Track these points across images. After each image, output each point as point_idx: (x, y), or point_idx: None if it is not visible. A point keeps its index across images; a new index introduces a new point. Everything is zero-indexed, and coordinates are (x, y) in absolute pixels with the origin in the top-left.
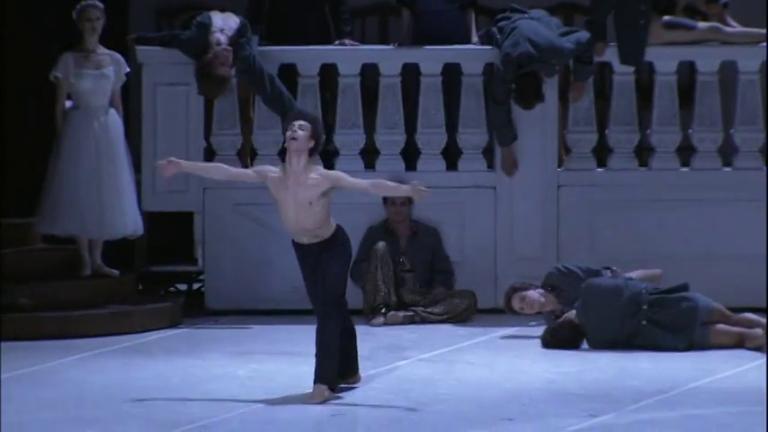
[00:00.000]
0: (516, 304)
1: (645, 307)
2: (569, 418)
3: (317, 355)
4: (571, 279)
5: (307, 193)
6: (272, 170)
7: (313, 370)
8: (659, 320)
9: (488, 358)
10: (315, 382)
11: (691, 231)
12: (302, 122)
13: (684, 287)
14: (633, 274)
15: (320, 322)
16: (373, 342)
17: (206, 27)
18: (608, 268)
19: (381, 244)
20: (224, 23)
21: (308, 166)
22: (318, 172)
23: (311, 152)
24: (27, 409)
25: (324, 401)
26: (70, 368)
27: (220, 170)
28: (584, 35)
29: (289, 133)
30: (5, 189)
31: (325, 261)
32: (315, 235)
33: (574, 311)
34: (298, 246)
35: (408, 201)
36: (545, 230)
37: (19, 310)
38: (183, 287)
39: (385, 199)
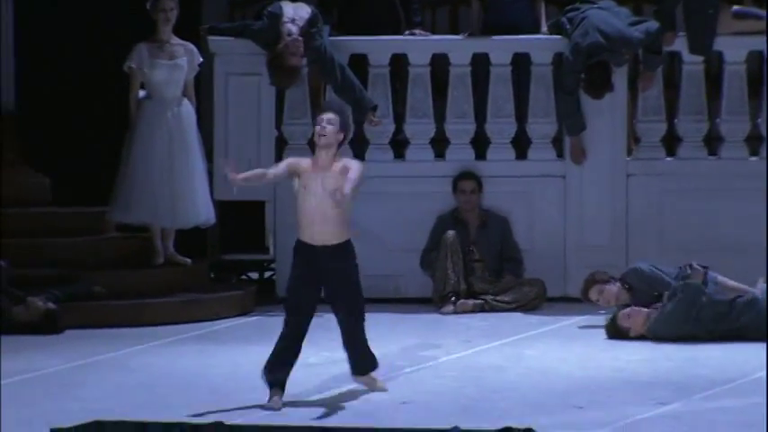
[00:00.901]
0: (594, 295)
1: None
2: (638, 406)
3: (357, 347)
4: (651, 282)
5: (333, 181)
6: (304, 160)
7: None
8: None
9: (558, 347)
10: (366, 373)
11: (760, 221)
12: (330, 116)
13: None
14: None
15: (356, 321)
16: (443, 330)
17: (277, 17)
18: (690, 265)
19: (451, 233)
20: (295, 14)
21: (336, 157)
22: (344, 162)
23: (340, 144)
24: (102, 396)
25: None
26: (143, 355)
27: (262, 174)
28: (653, 25)
29: (318, 128)
30: (79, 178)
31: (341, 270)
32: (332, 234)
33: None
34: (305, 247)
35: (478, 189)
36: (614, 219)
37: (94, 298)
38: (254, 275)
39: (455, 188)
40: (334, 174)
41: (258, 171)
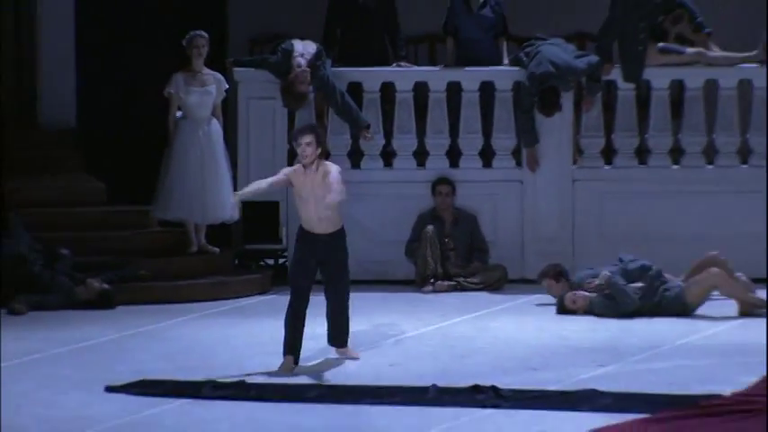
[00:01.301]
0: (569, 303)
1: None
2: (582, 367)
3: (342, 322)
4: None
5: (319, 183)
6: (297, 168)
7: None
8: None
9: (517, 320)
10: (344, 345)
11: (682, 217)
12: (308, 139)
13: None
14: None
15: (342, 299)
16: (423, 306)
17: (289, 53)
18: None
19: (430, 227)
20: (304, 49)
21: (319, 162)
22: (325, 167)
23: (320, 156)
24: (146, 359)
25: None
26: (180, 327)
27: (265, 183)
28: (594, 58)
29: (299, 150)
30: (128, 182)
31: (335, 253)
32: (329, 222)
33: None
34: (308, 235)
35: (452, 192)
36: (562, 216)
37: (139, 280)
38: (270, 262)
39: (433, 191)
40: (318, 178)
41: (255, 185)
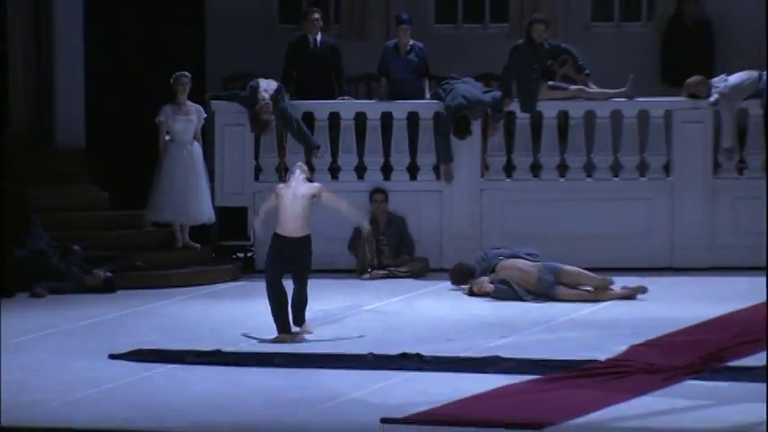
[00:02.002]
0: (476, 289)
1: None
2: (487, 338)
3: (302, 306)
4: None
5: (303, 189)
6: (280, 185)
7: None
8: None
9: (436, 300)
10: (303, 323)
11: (566, 219)
12: (300, 176)
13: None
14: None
15: (301, 289)
16: (363, 290)
17: (255, 89)
18: (530, 254)
19: (368, 228)
20: (267, 86)
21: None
22: (310, 185)
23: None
24: (142, 333)
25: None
26: (169, 307)
27: (263, 213)
28: (497, 93)
29: (294, 183)
30: (126, 192)
31: (302, 254)
32: (299, 229)
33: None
34: (280, 238)
35: (386, 199)
36: (472, 219)
37: (136, 269)
38: (240, 255)
39: (370, 199)
40: (304, 186)
41: (258, 220)
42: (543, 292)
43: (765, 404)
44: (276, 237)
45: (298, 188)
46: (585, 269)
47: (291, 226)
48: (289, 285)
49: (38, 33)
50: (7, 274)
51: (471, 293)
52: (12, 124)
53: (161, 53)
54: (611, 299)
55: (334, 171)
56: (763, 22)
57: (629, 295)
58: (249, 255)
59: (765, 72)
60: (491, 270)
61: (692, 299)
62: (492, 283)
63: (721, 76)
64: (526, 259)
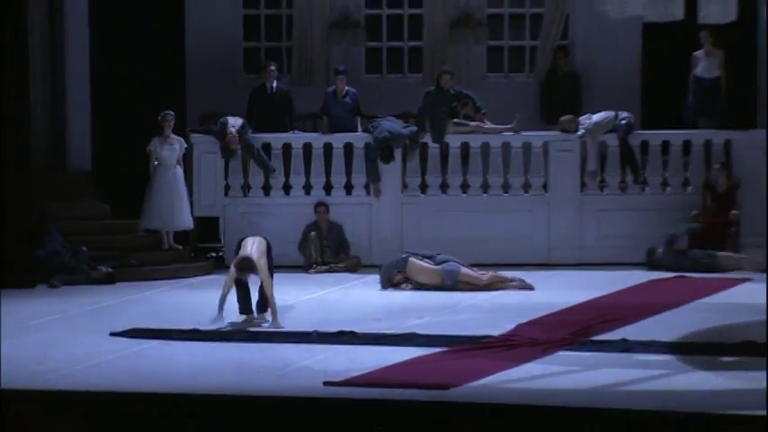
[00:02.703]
0: (394, 282)
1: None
2: (407, 319)
3: (265, 298)
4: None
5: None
6: (232, 271)
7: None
8: None
9: (367, 290)
10: (264, 312)
11: (467, 227)
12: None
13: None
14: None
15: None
16: (309, 282)
17: (225, 124)
18: (432, 257)
19: (313, 233)
20: (234, 122)
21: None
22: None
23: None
24: (136, 315)
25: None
26: (158, 295)
27: (226, 289)
28: (414, 128)
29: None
30: (125, 204)
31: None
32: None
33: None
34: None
35: (327, 211)
36: (395, 227)
37: (131, 266)
38: (213, 254)
39: (315, 210)
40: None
41: (225, 290)
42: (446, 289)
43: (765, 393)
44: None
45: (258, 256)
46: (483, 265)
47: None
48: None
49: (53, 79)
50: (30, 270)
51: (392, 285)
52: (33, 153)
53: (151, 95)
54: (505, 289)
55: (287, 188)
56: (621, 76)
57: (521, 286)
58: (220, 254)
59: (620, 112)
60: (404, 269)
61: (564, 288)
62: (406, 279)
63: (586, 115)
64: (432, 261)
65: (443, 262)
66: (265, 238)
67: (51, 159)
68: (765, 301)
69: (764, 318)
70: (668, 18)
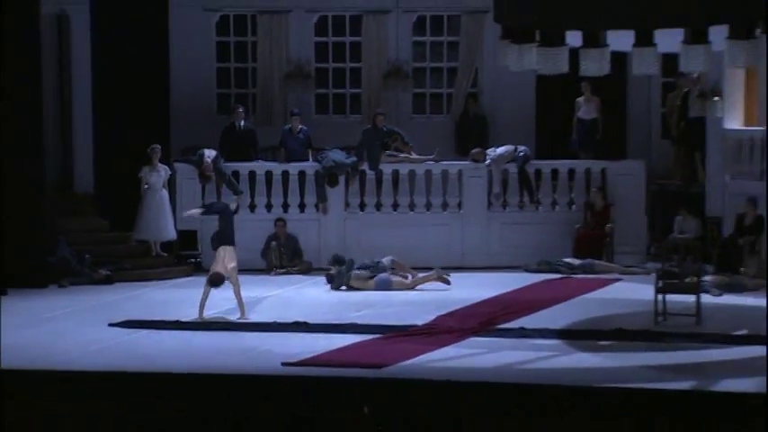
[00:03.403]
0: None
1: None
2: (350, 312)
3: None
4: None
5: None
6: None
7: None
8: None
9: (317, 289)
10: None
11: (399, 239)
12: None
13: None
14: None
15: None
16: (271, 283)
17: (201, 155)
18: (369, 267)
19: (273, 243)
20: (209, 153)
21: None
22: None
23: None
24: (130, 309)
25: None
26: (148, 293)
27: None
28: (354, 158)
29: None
30: (120, 220)
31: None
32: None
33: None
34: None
35: (285, 225)
36: (339, 237)
37: (125, 270)
38: (192, 260)
39: (275, 224)
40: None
41: (203, 299)
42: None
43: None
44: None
45: (228, 265)
46: (411, 267)
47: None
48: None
49: (63, 116)
50: (43, 273)
51: (350, 286)
52: (46, 178)
53: (142, 131)
54: (428, 282)
55: (252, 207)
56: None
57: (439, 277)
58: (198, 260)
59: (518, 146)
60: (348, 281)
61: (475, 286)
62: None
63: (492, 148)
64: (373, 270)
65: (383, 270)
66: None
67: (60, 183)
68: (651, 297)
69: (631, 310)
70: (556, 71)
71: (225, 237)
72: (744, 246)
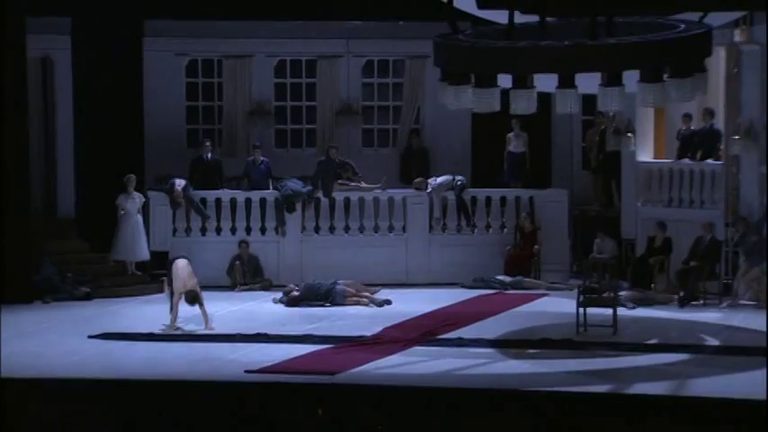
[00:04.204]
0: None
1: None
2: (304, 324)
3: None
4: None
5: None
6: (176, 301)
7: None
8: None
9: (272, 305)
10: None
11: (348, 256)
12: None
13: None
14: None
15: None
16: (235, 298)
17: (173, 184)
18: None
19: (237, 262)
20: (179, 182)
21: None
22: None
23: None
24: (106, 323)
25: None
26: (122, 309)
27: (175, 300)
28: (310, 187)
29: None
30: (100, 241)
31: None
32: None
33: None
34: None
35: (248, 246)
36: (296, 257)
37: (104, 287)
38: (163, 278)
39: (239, 246)
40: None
41: (173, 317)
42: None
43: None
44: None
45: (187, 282)
46: (361, 283)
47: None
48: None
49: (47, 149)
50: (29, 290)
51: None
52: (32, 204)
53: (119, 162)
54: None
55: (219, 230)
56: (457, 150)
57: (382, 303)
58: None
59: (456, 176)
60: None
61: (417, 301)
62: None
63: (433, 178)
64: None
65: (337, 295)
66: (186, 257)
67: (45, 208)
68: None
69: (556, 321)
70: (489, 109)
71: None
72: (654, 264)
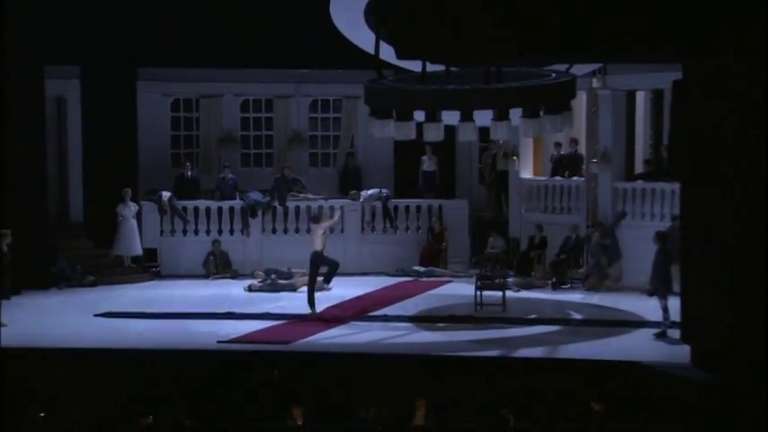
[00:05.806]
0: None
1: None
2: (266, 305)
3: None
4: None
5: None
6: None
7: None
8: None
9: (240, 289)
10: None
11: (301, 252)
12: None
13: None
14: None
15: None
16: (210, 285)
17: (160, 196)
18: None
19: (211, 257)
20: (166, 194)
21: None
22: None
23: None
24: (111, 305)
25: None
26: (124, 293)
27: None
28: (269, 198)
29: None
30: (103, 239)
31: None
32: None
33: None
34: None
35: (220, 244)
36: (257, 253)
37: (105, 276)
38: (154, 269)
39: (213, 244)
40: None
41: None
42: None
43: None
44: None
45: None
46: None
47: None
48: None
49: (61, 169)
50: (47, 280)
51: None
52: (48, 211)
53: (118, 178)
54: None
55: (197, 232)
56: (383, 168)
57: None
58: (158, 269)
59: (382, 189)
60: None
61: (352, 286)
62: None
63: (364, 190)
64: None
65: (290, 277)
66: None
67: (58, 214)
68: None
69: (459, 302)
70: (407, 137)
71: None
72: (534, 257)
